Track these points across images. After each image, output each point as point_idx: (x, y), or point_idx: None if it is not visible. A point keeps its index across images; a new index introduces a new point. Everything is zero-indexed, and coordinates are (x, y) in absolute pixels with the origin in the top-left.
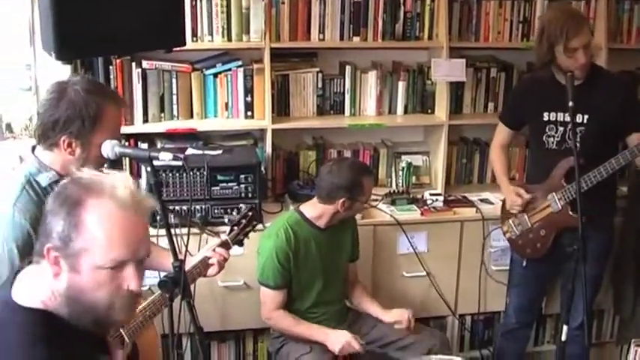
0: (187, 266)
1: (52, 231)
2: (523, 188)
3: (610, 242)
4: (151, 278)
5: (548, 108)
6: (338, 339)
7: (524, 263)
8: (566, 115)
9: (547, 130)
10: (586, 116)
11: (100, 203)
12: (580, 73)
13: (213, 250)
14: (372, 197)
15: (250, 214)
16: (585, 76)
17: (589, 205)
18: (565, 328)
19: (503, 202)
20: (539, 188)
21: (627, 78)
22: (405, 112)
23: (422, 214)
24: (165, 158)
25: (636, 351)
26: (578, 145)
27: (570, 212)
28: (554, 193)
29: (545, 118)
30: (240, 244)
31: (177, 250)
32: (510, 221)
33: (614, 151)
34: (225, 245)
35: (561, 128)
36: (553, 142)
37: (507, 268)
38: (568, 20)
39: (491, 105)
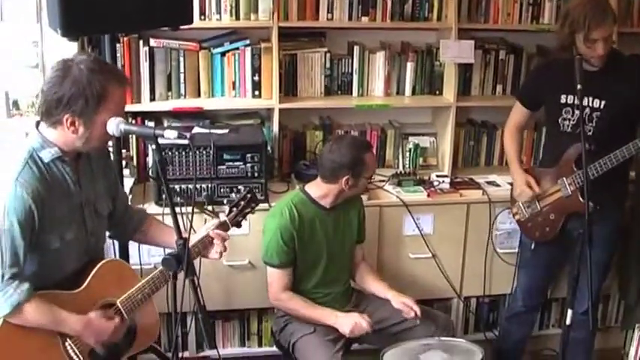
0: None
1: None
2: (533, 171)
3: (618, 229)
4: (156, 257)
5: (566, 91)
6: (347, 321)
7: (533, 246)
8: (584, 99)
9: (563, 112)
10: (603, 102)
11: None
12: (597, 62)
13: (212, 230)
14: (379, 178)
15: (249, 196)
16: (604, 62)
17: (599, 192)
18: (570, 312)
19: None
20: (549, 172)
21: None
22: (413, 93)
23: (428, 195)
24: (170, 136)
25: None
26: (592, 130)
27: (580, 198)
28: (564, 178)
29: (563, 101)
30: (239, 225)
31: (180, 228)
32: (520, 203)
33: (629, 137)
34: (223, 226)
35: (577, 112)
36: (568, 126)
37: (513, 251)
38: (592, 10)
39: (499, 87)
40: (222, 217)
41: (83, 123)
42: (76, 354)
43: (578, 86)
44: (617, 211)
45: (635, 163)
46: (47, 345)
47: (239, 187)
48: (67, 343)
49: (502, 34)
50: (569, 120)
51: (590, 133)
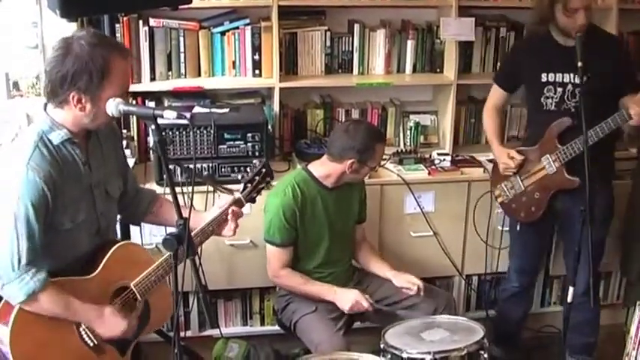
0: (198, 223)
1: None
2: (516, 150)
3: (610, 206)
4: (157, 237)
5: (547, 69)
6: (347, 297)
7: (518, 227)
8: (565, 75)
9: (545, 91)
10: (584, 77)
11: None
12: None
13: (226, 208)
14: None
15: (264, 170)
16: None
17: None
18: (571, 289)
19: (494, 165)
20: (532, 151)
21: (619, 37)
22: (414, 71)
23: (429, 173)
24: (169, 116)
25: None
26: (576, 105)
27: (566, 174)
28: (548, 155)
29: (544, 80)
30: (253, 201)
31: (182, 208)
32: (503, 185)
33: (612, 112)
34: (238, 203)
35: (560, 89)
36: (552, 104)
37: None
38: None
39: (500, 65)
40: (237, 193)
41: (90, 99)
42: (90, 338)
43: (579, 63)
44: (605, 186)
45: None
46: (62, 329)
47: (241, 165)
48: (81, 328)
49: (502, 11)
50: (552, 98)
51: (574, 110)
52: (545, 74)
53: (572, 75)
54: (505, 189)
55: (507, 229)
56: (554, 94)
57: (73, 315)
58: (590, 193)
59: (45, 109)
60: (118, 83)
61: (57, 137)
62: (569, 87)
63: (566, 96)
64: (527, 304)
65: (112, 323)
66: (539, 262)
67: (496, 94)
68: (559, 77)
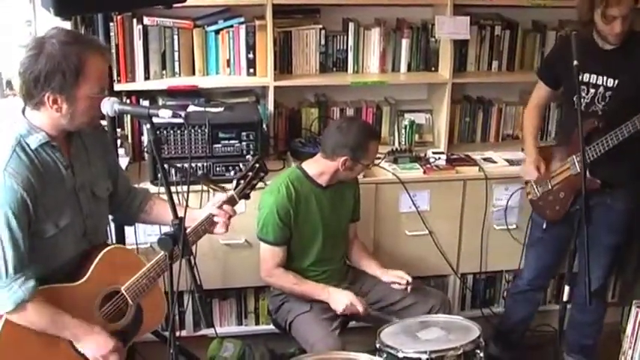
0: (192, 222)
1: None
2: (548, 150)
3: (630, 211)
4: (152, 236)
5: (583, 69)
6: (341, 299)
7: (544, 225)
8: (599, 77)
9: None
10: (616, 81)
11: None
12: (614, 40)
13: (219, 207)
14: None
15: (257, 165)
16: (620, 41)
17: (608, 170)
18: (567, 288)
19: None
20: (561, 150)
21: None
22: (409, 69)
23: (424, 172)
24: (165, 115)
25: (637, 312)
26: (604, 108)
27: (588, 175)
28: (573, 156)
29: (579, 78)
30: (247, 197)
31: (176, 207)
32: (532, 182)
33: None
34: (231, 201)
35: (592, 90)
36: (582, 104)
37: (511, 227)
38: None
39: (495, 63)
40: (230, 191)
41: (65, 99)
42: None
43: (575, 62)
44: (629, 191)
45: None
46: (53, 340)
47: (235, 165)
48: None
49: (497, 10)
50: (584, 98)
51: (601, 112)
52: (581, 74)
53: (605, 78)
54: (534, 186)
55: (509, 227)
56: (586, 94)
57: (60, 329)
58: (607, 196)
59: (23, 113)
60: (95, 81)
61: (35, 141)
62: (601, 89)
63: (596, 98)
64: (534, 306)
65: (99, 341)
66: (556, 266)
67: (539, 91)
68: (593, 78)
